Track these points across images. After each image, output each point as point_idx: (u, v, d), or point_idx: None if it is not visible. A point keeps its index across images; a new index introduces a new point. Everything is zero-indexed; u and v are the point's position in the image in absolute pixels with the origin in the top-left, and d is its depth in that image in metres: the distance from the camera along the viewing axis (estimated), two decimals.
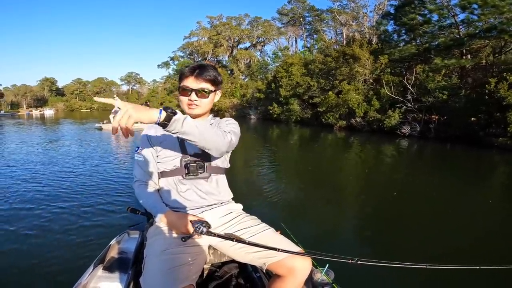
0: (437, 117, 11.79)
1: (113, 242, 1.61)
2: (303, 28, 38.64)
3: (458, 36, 13.79)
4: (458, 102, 10.67)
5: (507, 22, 11.49)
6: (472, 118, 10.53)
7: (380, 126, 13.21)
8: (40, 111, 37.08)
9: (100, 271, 1.38)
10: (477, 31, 12.46)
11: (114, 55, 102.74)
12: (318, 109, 17.01)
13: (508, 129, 9.02)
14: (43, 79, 55.24)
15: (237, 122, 1.37)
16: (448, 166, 7.92)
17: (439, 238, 3.30)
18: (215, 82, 1.27)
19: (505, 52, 12.78)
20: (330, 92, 15.86)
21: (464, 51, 13.89)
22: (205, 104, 1.27)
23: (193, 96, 1.24)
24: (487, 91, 9.73)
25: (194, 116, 1.30)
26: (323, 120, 16.42)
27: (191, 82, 1.24)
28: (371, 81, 15.33)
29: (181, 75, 1.26)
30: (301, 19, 37.94)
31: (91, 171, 6.11)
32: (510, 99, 8.97)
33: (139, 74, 55.54)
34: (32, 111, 37.32)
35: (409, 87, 12.37)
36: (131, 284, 1.30)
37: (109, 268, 1.39)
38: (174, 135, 0.97)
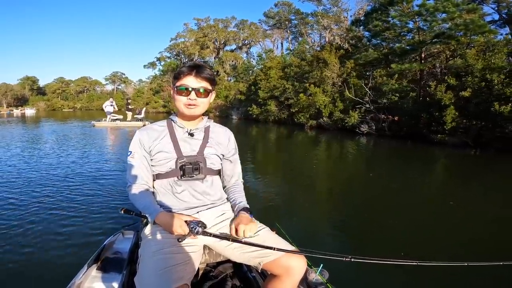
0: (389, 117, 12.82)
1: (107, 242, 1.63)
2: (289, 31, 39.53)
3: (419, 41, 14.85)
4: (406, 103, 11.69)
5: (455, 28, 12.52)
6: (422, 118, 11.57)
7: (343, 125, 14.22)
8: (21, 110, 36.63)
9: (94, 271, 1.39)
10: (429, 37, 13.50)
11: (98, 54, 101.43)
12: (291, 110, 18.00)
13: (445, 127, 10.04)
14: (24, 78, 53.46)
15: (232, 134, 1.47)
16: (401, 159, 8.89)
17: (418, 232, 3.42)
18: (213, 82, 1.27)
19: (456, 56, 13.84)
20: (301, 94, 16.84)
21: (423, 55, 14.95)
22: (205, 103, 1.26)
23: (193, 95, 1.21)
24: (428, 93, 10.75)
25: (192, 117, 1.30)
26: (295, 119, 17.41)
27: (190, 81, 1.21)
28: (340, 84, 16.32)
29: (178, 74, 1.23)
30: (286, 22, 38.78)
31: (85, 170, 5.99)
32: (445, 100, 10.00)
33: (124, 74, 54.76)
34: (13, 110, 36.69)
35: (367, 90, 13.38)
36: (126, 284, 1.30)
37: (103, 268, 1.41)
38: None
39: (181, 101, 1.23)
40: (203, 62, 39.49)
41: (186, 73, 1.21)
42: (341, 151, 10.46)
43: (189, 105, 1.22)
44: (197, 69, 1.22)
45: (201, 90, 1.21)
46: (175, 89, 1.23)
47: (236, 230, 1.19)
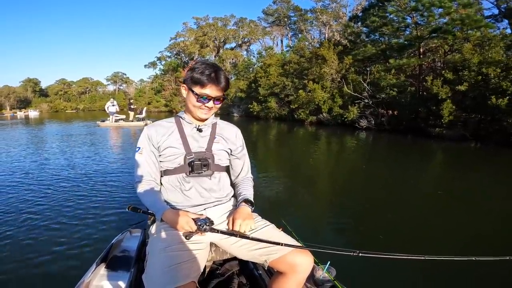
0: (388, 111, 13.00)
1: (115, 240, 1.66)
2: (288, 28, 39.52)
3: (417, 36, 14.95)
4: (404, 97, 11.86)
5: (451, 23, 12.63)
6: (420, 112, 11.75)
7: (343, 120, 14.41)
8: (24, 112, 36.78)
9: (102, 269, 1.40)
10: (427, 32, 13.62)
11: (99, 55, 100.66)
12: (291, 106, 18.19)
13: (442, 120, 10.21)
14: (26, 80, 53.20)
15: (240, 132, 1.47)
16: (400, 153, 9.01)
17: (426, 227, 3.41)
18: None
19: (454, 51, 13.96)
20: (300, 91, 17.01)
21: (422, 50, 15.07)
22: (218, 108, 1.31)
23: (211, 103, 1.24)
24: (425, 87, 10.92)
25: (204, 119, 1.33)
26: (295, 116, 17.61)
27: (211, 91, 1.22)
28: (338, 79, 16.48)
29: (200, 82, 1.22)
30: (285, 19, 38.73)
31: (91, 169, 6.04)
32: (442, 94, 10.17)
33: (125, 74, 54.75)
34: (16, 113, 36.75)
35: (365, 85, 13.55)
36: (134, 282, 1.32)
37: (112, 266, 1.41)
38: None
39: (196, 106, 1.25)
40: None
41: (206, 82, 1.21)
42: (341, 146, 10.61)
43: (203, 109, 1.26)
44: (215, 76, 1.22)
45: (220, 98, 1.26)
46: (196, 96, 1.23)
47: (233, 223, 1.20)
